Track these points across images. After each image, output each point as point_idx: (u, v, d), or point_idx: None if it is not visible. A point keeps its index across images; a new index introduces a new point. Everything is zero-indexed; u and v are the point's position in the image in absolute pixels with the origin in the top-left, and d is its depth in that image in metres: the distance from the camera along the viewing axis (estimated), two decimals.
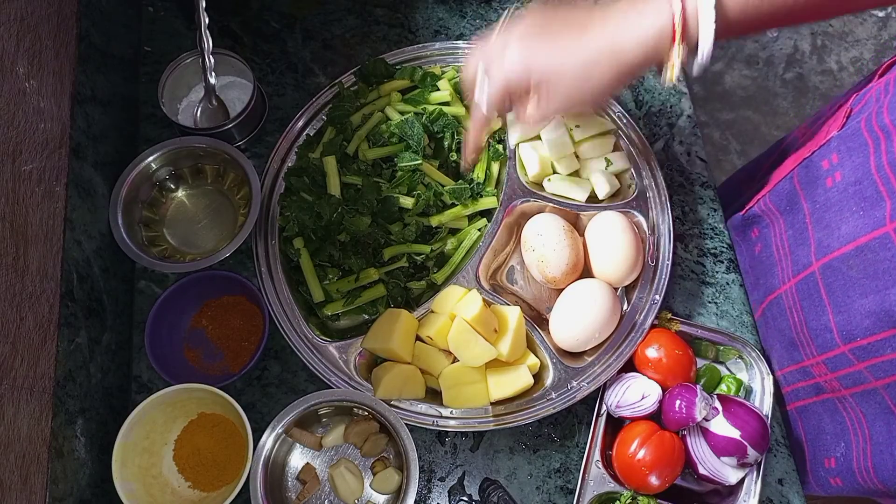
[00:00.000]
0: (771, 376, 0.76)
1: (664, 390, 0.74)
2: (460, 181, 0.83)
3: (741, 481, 0.72)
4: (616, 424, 0.77)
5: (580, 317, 0.75)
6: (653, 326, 0.77)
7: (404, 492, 0.69)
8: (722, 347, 0.79)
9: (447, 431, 0.77)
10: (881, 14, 2.09)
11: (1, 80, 0.62)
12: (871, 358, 0.63)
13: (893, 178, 0.59)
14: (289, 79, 0.93)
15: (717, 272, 0.86)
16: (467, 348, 0.72)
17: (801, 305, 0.72)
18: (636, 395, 0.73)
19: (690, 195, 0.89)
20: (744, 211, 0.83)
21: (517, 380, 0.74)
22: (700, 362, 0.80)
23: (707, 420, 0.72)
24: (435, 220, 0.81)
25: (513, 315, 0.75)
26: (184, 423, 0.75)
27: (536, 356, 0.77)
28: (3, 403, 0.59)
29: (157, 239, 0.84)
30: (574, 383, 0.75)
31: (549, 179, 0.83)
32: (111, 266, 0.78)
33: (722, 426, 0.70)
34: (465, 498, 0.76)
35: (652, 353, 0.75)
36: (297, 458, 0.76)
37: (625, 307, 0.79)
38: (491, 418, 0.74)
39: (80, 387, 0.70)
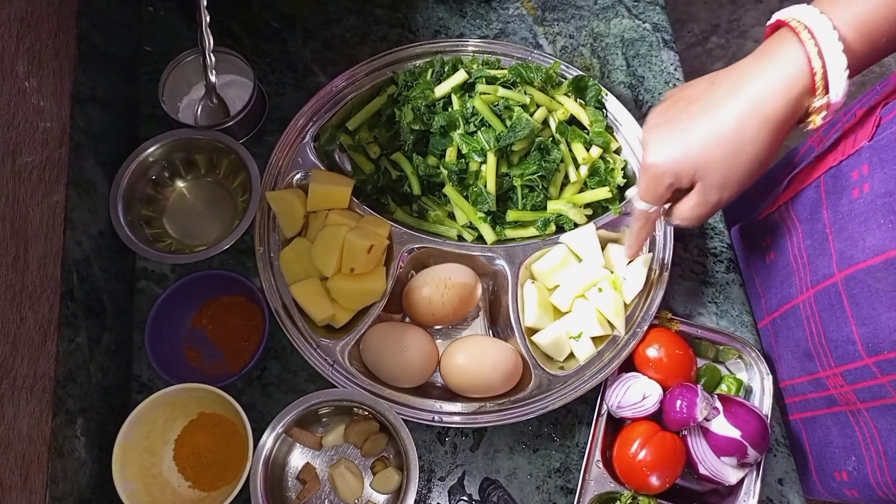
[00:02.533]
0: (771, 376, 0.76)
1: (665, 390, 0.74)
2: (491, 203, 0.79)
3: (741, 481, 0.72)
4: (616, 424, 0.77)
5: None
6: (653, 326, 0.77)
7: (404, 492, 0.69)
8: (722, 347, 0.79)
9: (447, 430, 0.78)
10: None
11: (1, 80, 0.62)
12: (895, 372, 0.63)
13: None
14: (289, 79, 0.93)
15: (717, 272, 0.86)
16: (325, 254, 0.76)
17: (819, 316, 0.70)
18: (637, 395, 0.73)
19: None
20: (762, 216, 0.81)
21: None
22: (700, 362, 0.80)
23: (708, 420, 0.72)
24: (447, 189, 0.81)
25: (373, 284, 0.77)
26: (184, 423, 0.75)
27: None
28: (3, 403, 0.59)
29: (160, 235, 0.84)
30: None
31: (533, 283, 0.79)
32: (111, 266, 0.78)
33: (722, 426, 0.70)
34: (465, 498, 0.76)
35: (652, 352, 0.75)
36: (297, 458, 0.76)
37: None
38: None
39: (81, 386, 0.69)
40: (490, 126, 0.80)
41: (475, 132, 0.80)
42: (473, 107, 0.81)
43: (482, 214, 0.81)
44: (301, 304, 0.77)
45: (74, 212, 0.72)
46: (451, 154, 0.81)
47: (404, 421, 0.71)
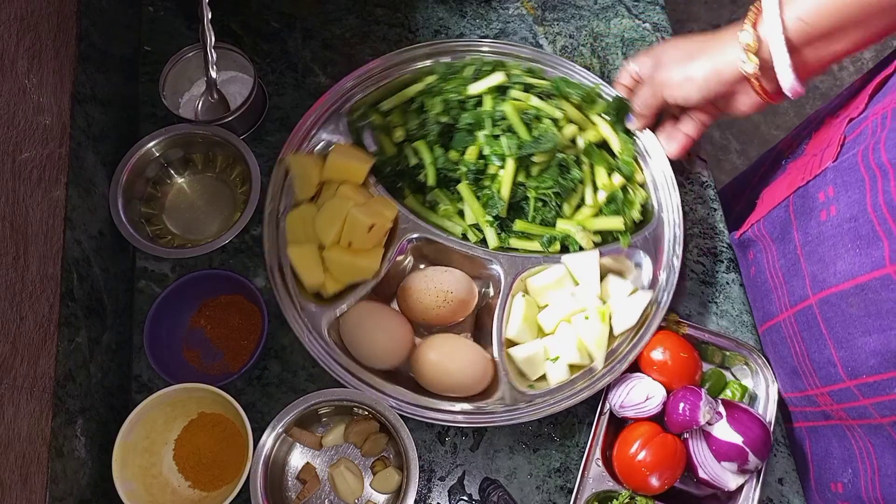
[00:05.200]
0: (776, 384, 0.76)
1: (668, 392, 0.74)
2: (502, 209, 0.79)
3: (740, 488, 0.72)
4: (617, 424, 0.77)
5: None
6: (659, 328, 0.77)
7: (404, 491, 0.69)
8: (728, 353, 0.79)
9: (447, 429, 0.77)
10: None
11: (1, 80, 0.62)
12: (876, 395, 0.62)
13: (890, 218, 0.58)
14: (289, 78, 0.92)
15: (716, 272, 0.86)
16: (327, 224, 0.76)
17: (801, 336, 0.71)
18: (640, 395, 0.73)
19: (690, 195, 0.89)
20: (739, 234, 0.83)
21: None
22: (706, 367, 0.80)
23: (710, 424, 0.71)
24: (461, 186, 0.80)
25: (367, 261, 0.76)
26: (184, 423, 0.75)
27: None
28: (3, 403, 0.59)
29: (161, 231, 0.84)
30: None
31: (524, 296, 0.78)
32: (111, 265, 0.78)
33: (724, 431, 0.70)
34: (465, 497, 0.76)
35: (657, 355, 0.75)
36: (297, 458, 0.76)
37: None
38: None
39: (80, 386, 0.69)
40: (515, 133, 0.79)
41: (500, 136, 0.79)
42: (503, 111, 0.80)
43: (490, 218, 0.80)
44: (294, 266, 0.77)
45: (74, 211, 0.72)
46: (472, 152, 0.80)
47: (403, 419, 0.71)
